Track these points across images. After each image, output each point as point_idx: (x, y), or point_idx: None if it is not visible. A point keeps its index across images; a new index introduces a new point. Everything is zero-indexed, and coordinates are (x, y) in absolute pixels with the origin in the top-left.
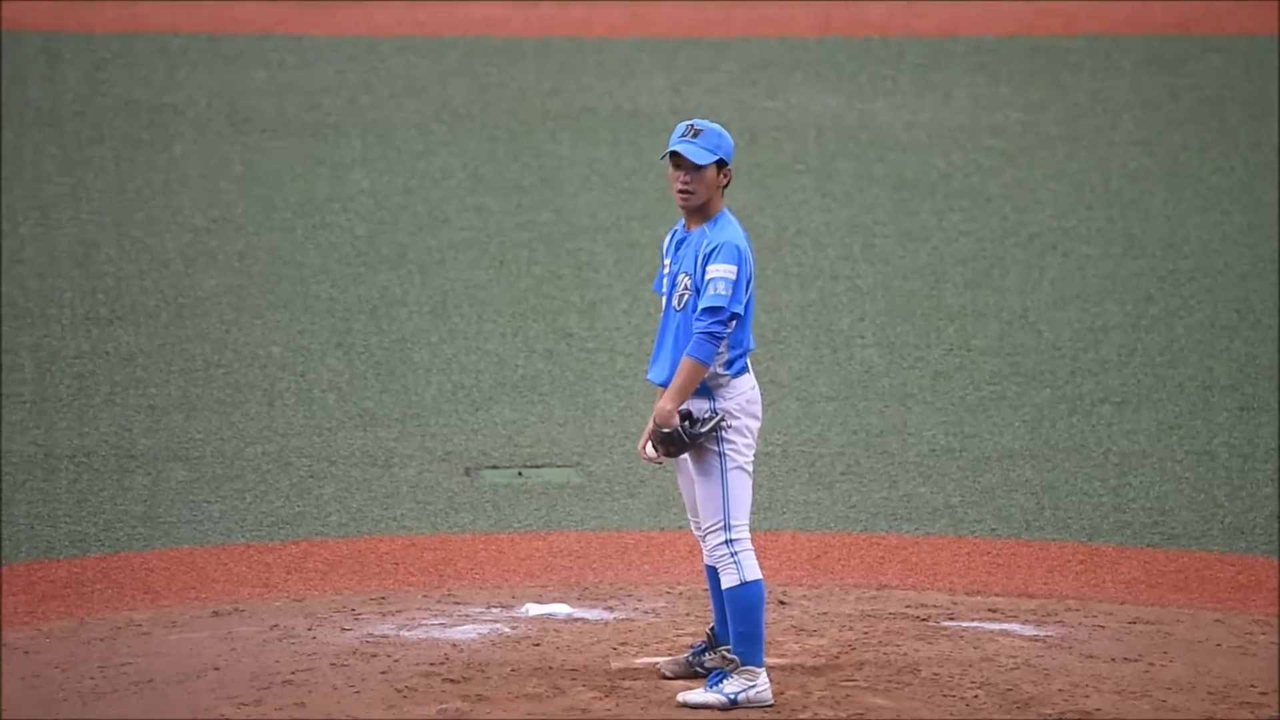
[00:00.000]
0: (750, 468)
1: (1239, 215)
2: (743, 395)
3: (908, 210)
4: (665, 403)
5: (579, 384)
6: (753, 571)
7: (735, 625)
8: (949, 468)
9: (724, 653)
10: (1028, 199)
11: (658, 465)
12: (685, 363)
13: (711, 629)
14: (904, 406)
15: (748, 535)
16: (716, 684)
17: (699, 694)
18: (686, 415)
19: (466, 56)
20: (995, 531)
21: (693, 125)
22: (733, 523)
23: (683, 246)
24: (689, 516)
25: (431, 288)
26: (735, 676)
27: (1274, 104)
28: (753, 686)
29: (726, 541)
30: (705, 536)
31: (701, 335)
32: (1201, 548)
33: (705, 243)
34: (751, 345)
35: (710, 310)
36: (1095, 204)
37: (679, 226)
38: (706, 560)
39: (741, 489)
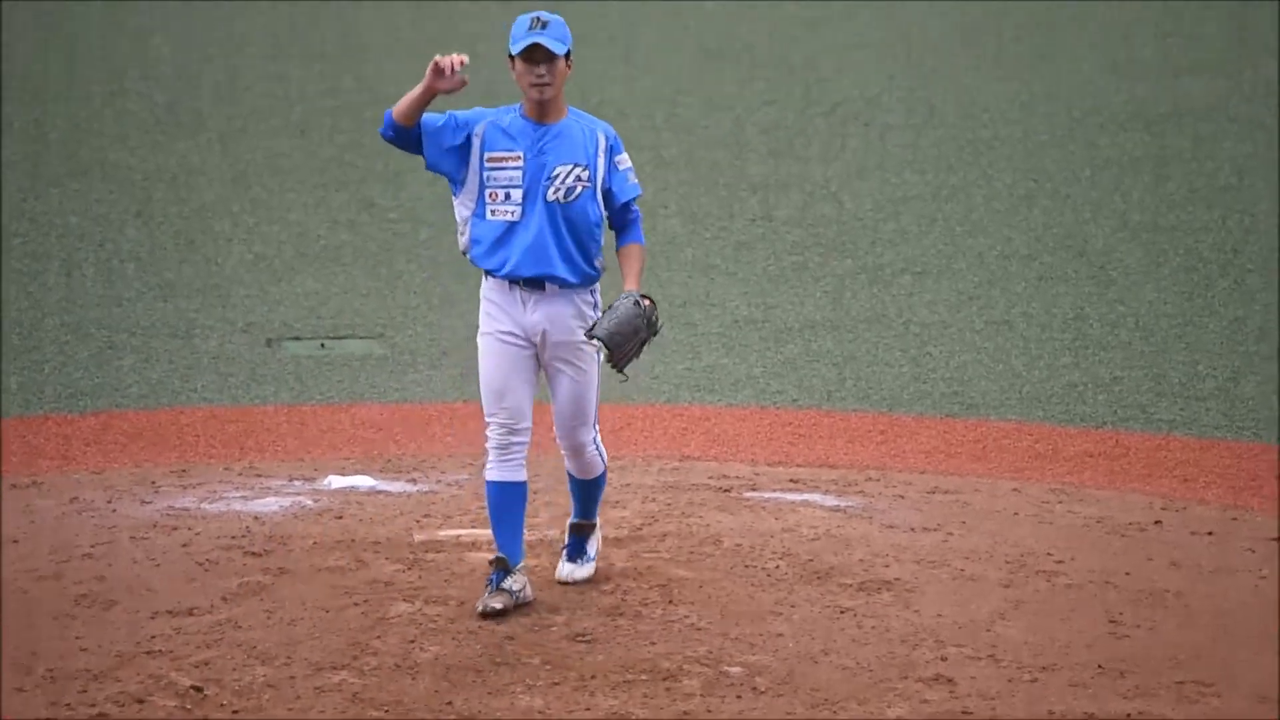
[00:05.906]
0: None
1: (1037, 84)
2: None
3: (712, 79)
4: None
5: (382, 255)
6: (604, 457)
7: (592, 499)
8: (751, 338)
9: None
10: (831, 68)
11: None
12: (639, 250)
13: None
14: (707, 277)
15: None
16: (585, 556)
17: (580, 570)
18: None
19: None
20: (797, 402)
21: (539, 18)
22: (596, 418)
23: (547, 139)
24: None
25: (232, 156)
26: (591, 538)
27: None
28: (596, 539)
29: (594, 438)
30: (574, 430)
31: (638, 223)
32: (1000, 417)
33: (592, 133)
34: None
35: (635, 199)
36: (897, 73)
37: (507, 117)
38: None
39: None
